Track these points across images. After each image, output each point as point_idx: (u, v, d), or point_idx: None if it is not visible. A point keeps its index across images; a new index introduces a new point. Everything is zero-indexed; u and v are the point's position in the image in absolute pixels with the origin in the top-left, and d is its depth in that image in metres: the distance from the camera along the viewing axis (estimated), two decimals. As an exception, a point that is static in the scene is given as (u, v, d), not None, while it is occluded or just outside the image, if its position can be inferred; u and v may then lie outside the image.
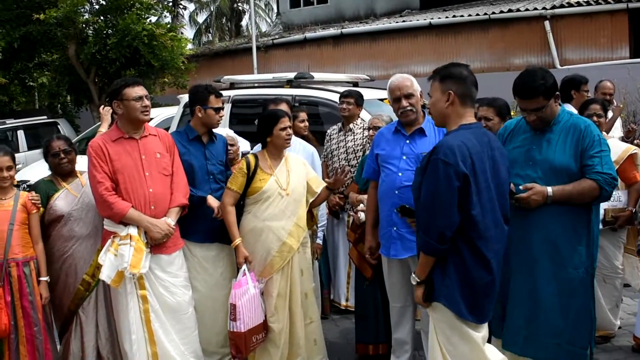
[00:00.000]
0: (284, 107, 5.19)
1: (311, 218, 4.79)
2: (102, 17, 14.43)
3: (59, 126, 15.16)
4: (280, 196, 4.40)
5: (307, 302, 4.49)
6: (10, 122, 14.76)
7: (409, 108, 4.18)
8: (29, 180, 7.95)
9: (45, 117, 15.71)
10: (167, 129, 5.33)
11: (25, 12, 13.59)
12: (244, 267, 4.36)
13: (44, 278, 4.29)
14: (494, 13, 13.90)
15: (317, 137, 6.26)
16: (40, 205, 4.35)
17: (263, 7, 35.64)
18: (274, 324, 4.42)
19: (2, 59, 13.69)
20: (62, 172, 4.49)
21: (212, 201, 4.51)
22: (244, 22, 35.67)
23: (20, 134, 14.52)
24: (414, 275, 3.25)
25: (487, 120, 4.36)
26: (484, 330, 3.24)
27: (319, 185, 4.63)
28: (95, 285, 4.41)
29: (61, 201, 4.41)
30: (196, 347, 4.40)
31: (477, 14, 14.22)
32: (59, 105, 17.05)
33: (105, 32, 14.06)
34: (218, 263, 4.64)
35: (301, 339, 4.44)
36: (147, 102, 4.22)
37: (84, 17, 14.38)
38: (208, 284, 4.56)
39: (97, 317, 4.46)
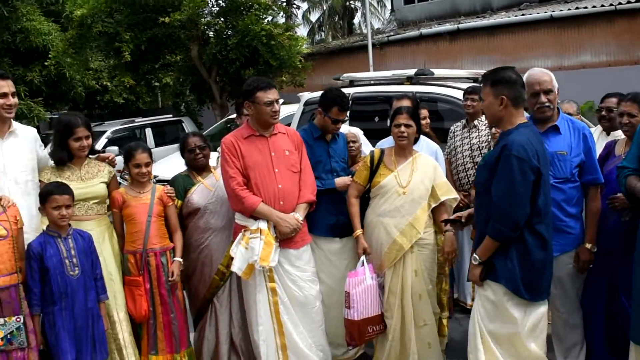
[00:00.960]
0: (407, 103, 5.21)
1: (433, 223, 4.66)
2: (222, 19, 14.88)
3: (183, 124, 15.85)
4: (397, 194, 4.43)
5: (421, 303, 4.44)
6: (139, 121, 15.56)
7: (547, 104, 4.07)
8: (157, 176, 8.40)
9: (170, 115, 16.48)
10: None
11: (152, 16, 14.18)
12: (363, 258, 4.48)
13: (178, 258, 4.52)
14: (620, 3, 13.25)
15: (437, 134, 6.22)
16: (175, 198, 4.60)
17: (375, 4, 35.60)
18: (388, 319, 4.49)
19: (131, 61, 14.34)
20: (198, 166, 4.72)
21: (340, 181, 4.64)
22: (356, 20, 35.81)
23: (148, 131, 15.27)
24: (475, 256, 3.57)
25: (630, 116, 4.18)
26: (541, 307, 3.56)
27: (446, 194, 4.50)
28: (229, 276, 4.59)
29: (197, 195, 4.64)
30: (323, 341, 4.51)
31: (602, 5, 13.60)
32: (183, 104, 17.73)
33: (225, 33, 14.49)
34: (343, 256, 4.74)
35: (411, 340, 4.42)
36: (277, 107, 4.34)
37: (206, 19, 14.88)
38: (334, 276, 4.66)
39: (231, 306, 4.66)
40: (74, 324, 3.94)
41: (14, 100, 4.08)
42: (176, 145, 13.38)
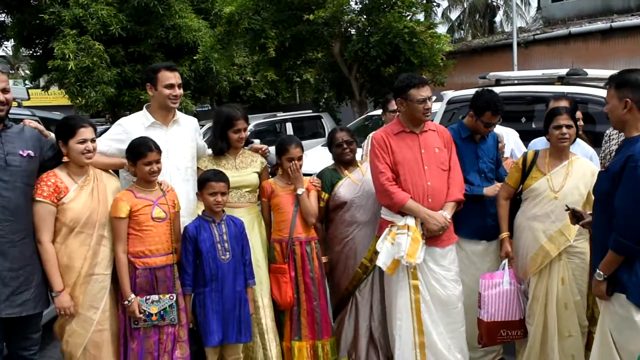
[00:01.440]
0: (565, 104, 4.99)
1: None
2: (364, 16, 14.97)
3: (322, 120, 16.12)
4: (548, 198, 4.26)
5: (567, 313, 4.24)
6: (281, 115, 15.99)
7: None
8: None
9: (310, 111, 16.81)
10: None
11: (297, 14, 14.51)
12: (504, 262, 4.38)
13: (325, 258, 4.65)
14: None
15: (590, 138, 5.92)
16: (319, 188, 4.67)
17: (519, 1, 34.55)
18: (529, 325, 4.36)
19: (274, 57, 14.73)
20: (345, 161, 4.77)
21: (489, 190, 4.54)
22: (497, 18, 34.94)
23: (289, 126, 15.64)
24: (599, 272, 3.33)
25: None
26: None
27: None
28: (372, 270, 4.61)
29: (344, 189, 4.68)
30: (462, 342, 4.43)
31: None
32: (323, 100, 18.01)
33: (367, 30, 14.56)
34: (486, 258, 4.64)
35: (554, 351, 4.25)
36: (430, 105, 4.30)
37: (349, 17, 15.02)
38: (476, 278, 4.55)
39: (372, 300, 4.67)
40: (222, 305, 4.11)
41: (179, 92, 4.33)
42: (315, 140, 13.67)
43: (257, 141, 11.21)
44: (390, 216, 4.31)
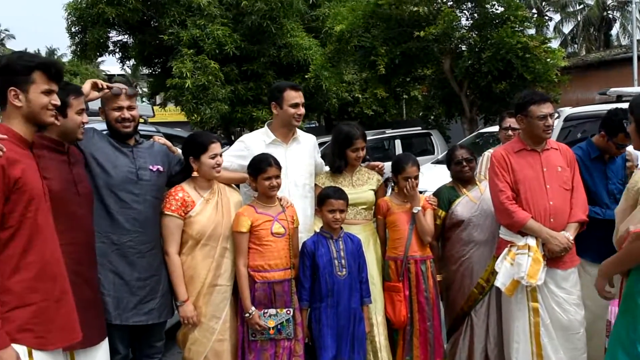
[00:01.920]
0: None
1: None
2: (476, 32, 14.78)
3: (431, 137, 15.98)
4: None
5: None
6: (389, 132, 15.98)
7: None
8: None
9: (419, 128, 16.71)
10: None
11: (407, 30, 14.49)
12: None
13: (439, 277, 4.59)
14: None
15: None
16: (435, 206, 4.63)
17: (638, 14, 33.03)
18: None
19: (384, 74, 14.76)
20: (463, 178, 4.71)
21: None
22: (613, 31, 33.59)
23: (397, 143, 15.61)
24: None
25: None
26: None
27: None
28: (489, 290, 4.52)
29: (461, 207, 4.63)
30: None
31: None
32: (432, 117, 17.87)
33: (479, 46, 14.36)
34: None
35: None
36: (550, 122, 4.21)
37: (460, 33, 14.87)
38: (601, 304, 4.35)
39: (488, 321, 4.57)
40: (337, 322, 4.14)
41: (303, 110, 4.44)
42: (425, 157, 13.55)
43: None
44: (509, 236, 4.22)
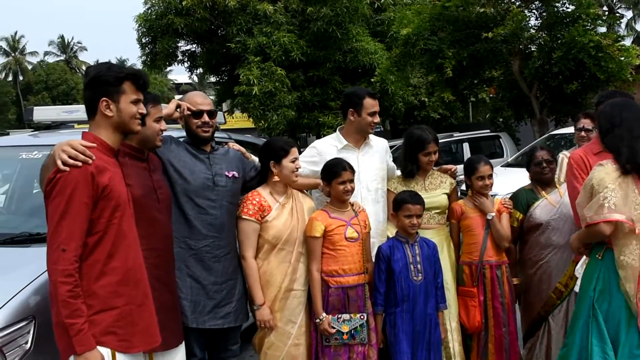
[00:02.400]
0: None
1: None
2: (546, 32, 14.47)
3: (500, 139, 15.73)
4: None
5: None
6: (457, 135, 15.83)
7: None
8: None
9: (487, 130, 16.47)
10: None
11: (474, 32, 14.30)
12: None
13: (516, 280, 4.54)
14: None
15: None
16: (511, 210, 4.55)
17: None
18: None
19: (451, 77, 14.62)
20: (543, 181, 4.62)
21: None
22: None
23: (465, 146, 15.44)
24: None
25: None
26: None
27: None
28: (567, 295, 4.43)
29: (540, 210, 4.54)
30: None
31: None
32: (500, 120, 17.59)
33: (549, 46, 14.05)
34: None
35: None
36: None
37: (529, 33, 14.59)
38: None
39: (566, 327, 4.47)
40: (413, 327, 4.11)
41: (378, 119, 4.48)
42: (494, 160, 13.32)
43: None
44: (590, 241, 4.09)
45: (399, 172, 4.68)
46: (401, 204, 4.18)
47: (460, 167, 4.76)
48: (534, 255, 4.55)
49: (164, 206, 3.53)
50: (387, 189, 4.55)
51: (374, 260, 4.23)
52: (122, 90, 2.86)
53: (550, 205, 4.53)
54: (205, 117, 3.87)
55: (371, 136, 4.60)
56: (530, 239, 4.58)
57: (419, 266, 4.14)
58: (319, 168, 4.21)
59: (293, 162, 4.00)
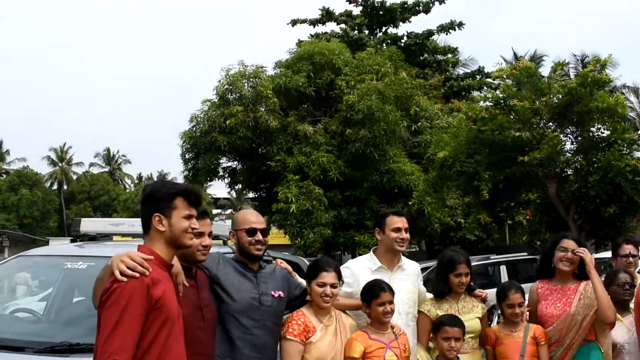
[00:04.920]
0: None
1: None
2: (581, 156, 14.60)
3: (535, 263, 15.51)
4: None
5: None
6: (494, 258, 15.67)
7: None
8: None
9: (525, 253, 16.30)
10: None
11: (510, 155, 14.50)
12: None
13: None
14: None
15: None
16: None
17: None
18: None
19: (487, 199, 14.69)
20: (622, 303, 4.55)
21: None
22: None
23: (502, 269, 15.21)
24: None
25: None
26: None
27: None
28: None
29: (616, 332, 4.51)
30: None
31: None
32: (538, 242, 17.43)
33: (585, 169, 14.14)
34: None
35: None
36: None
37: (565, 157, 14.73)
38: None
39: None
40: None
41: (406, 235, 4.46)
42: (531, 284, 13.13)
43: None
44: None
45: (429, 295, 4.67)
46: (439, 327, 4.15)
47: (495, 291, 4.72)
48: None
49: (209, 325, 3.54)
50: (420, 311, 4.51)
51: None
52: (174, 205, 2.95)
53: (626, 327, 4.50)
54: (259, 236, 3.90)
55: (404, 259, 4.61)
56: None
57: None
58: (352, 289, 4.22)
59: (320, 286, 3.95)
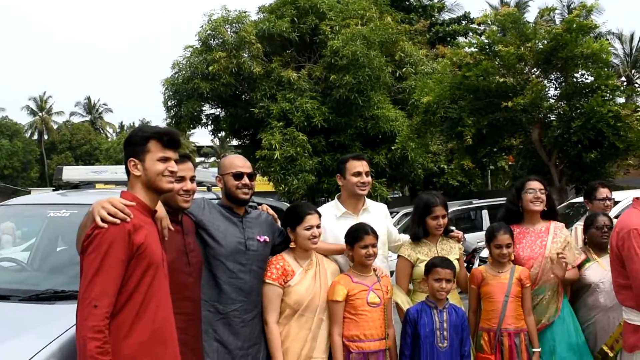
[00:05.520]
0: None
1: None
2: (565, 102, 14.63)
3: (517, 207, 15.72)
4: None
5: None
6: (476, 202, 15.84)
7: None
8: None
9: (506, 198, 16.46)
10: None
11: (494, 101, 14.48)
12: None
13: (537, 349, 4.44)
14: None
15: None
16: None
17: None
18: None
19: (471, 144, 14.73)
20: (600, 245, 4.68)
21: None
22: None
23: (484, 213, 15.41)
24: None
25: None
26: None
27: None
28: (612, 358, 4.39)
29: (590, 272, 4.61)
30: None
31: None
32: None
33: (568, 115, 14.19)
34: None
35: None
36: None
37: (548, 103, 14.75)
38: None
39: None
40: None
41: (367, 179, 4.48)
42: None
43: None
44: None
45: (405, 237, 4.72)
46: (431, 268, 4.21)
47: (477, 235, 4.78)
48: (581, 317, 4.58)
49: (194, 270, 3.56)
50: (399, 255, 4.57)
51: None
52: (147, 149, 2.93)
53: (601, 268, 4.58)
54: (246, 179, 3.92)
55: (369, 201, 4.64)
56: (579, 301, 4.64)
57: (445, 333, 4.13)
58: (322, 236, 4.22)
59: (308, 229, 3.99)
